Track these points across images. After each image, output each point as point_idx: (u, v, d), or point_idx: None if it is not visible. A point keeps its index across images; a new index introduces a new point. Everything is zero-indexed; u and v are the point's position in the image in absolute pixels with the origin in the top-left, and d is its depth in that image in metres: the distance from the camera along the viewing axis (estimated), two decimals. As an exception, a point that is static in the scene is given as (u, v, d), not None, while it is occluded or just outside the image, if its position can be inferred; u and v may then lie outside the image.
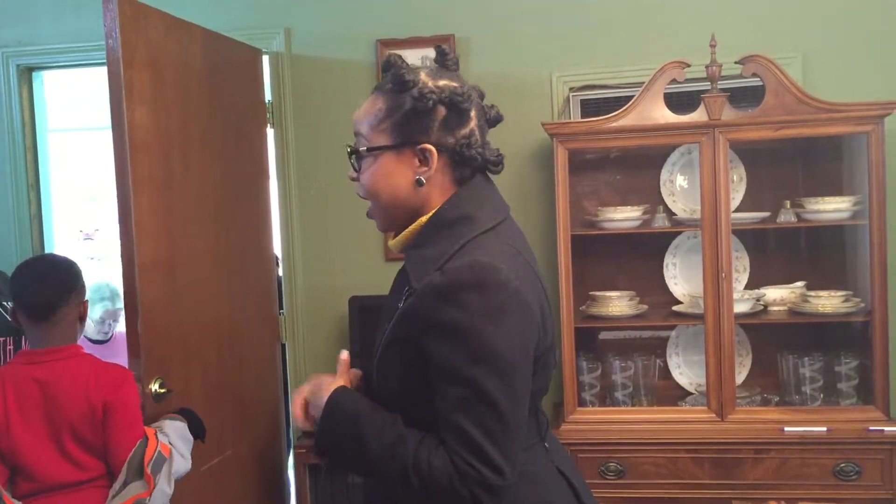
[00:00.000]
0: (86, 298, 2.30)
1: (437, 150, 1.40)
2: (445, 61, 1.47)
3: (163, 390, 2.37)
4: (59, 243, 3.62)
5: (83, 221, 6.26)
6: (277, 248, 3.33)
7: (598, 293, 2.91)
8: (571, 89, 3.13)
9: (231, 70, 2.94)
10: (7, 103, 3.36)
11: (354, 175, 1.46)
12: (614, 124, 2.73)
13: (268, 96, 3.26)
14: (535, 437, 1.48)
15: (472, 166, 1.42)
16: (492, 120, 1.48)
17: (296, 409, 1.50)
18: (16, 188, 3.37)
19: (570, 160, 2.78)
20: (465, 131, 1.41)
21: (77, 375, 2.14)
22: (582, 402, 2.86)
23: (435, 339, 1.30)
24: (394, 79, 1.41)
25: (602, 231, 2.90)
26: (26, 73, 3.42)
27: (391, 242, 1.49)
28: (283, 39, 3.26)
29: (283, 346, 3.31)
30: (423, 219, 1.42)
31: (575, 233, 2.81)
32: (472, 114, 1.42)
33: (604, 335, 3.06)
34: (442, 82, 1.41)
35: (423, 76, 1.41)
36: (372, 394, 1.45)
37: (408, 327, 1.35)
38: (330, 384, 1.45)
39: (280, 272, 3.37)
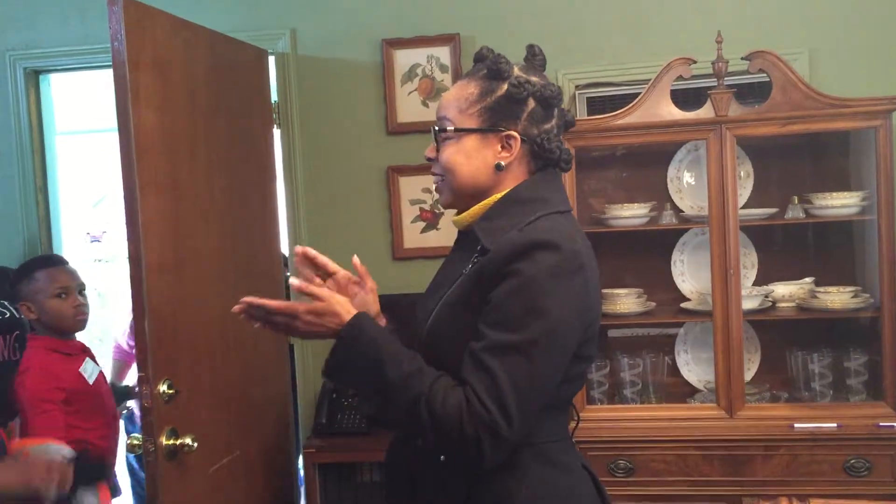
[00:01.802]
0: (25, 300, 2.67)
1: (520, 138, 1.48)
2: (535, 60, 1.56)
3: (171, 391, 2.37)
4: (68, 246, 3.64)
5: (90, 224, 6.28)
6: (285, 248, 3.33)
7: (605, 291, 2.89)
8: (577, 87, 3.13)
9: (237, 71, 2.94)
10: (14, 106, 3.37)
11: (433, 155, 1.54)
12: (620, 121, 2.72)
13: (274, 97, 3.27)
14: (566, 432, 1.52)
15: (547, 159, 1.51)
16: (568, 122, 1.56)
17: (302, 312, 1.47)
18: (24, 191, 3.38)
19: (576, 158, 2.77)
20: (547, 126, 1.50)
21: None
22: (590, 400, 2.86)
23: (499, 287, 1.35)
24: (491, 67, 1.50)
25: (609, 229, 2.89)
26: (33, 77, 3.43)
27: (456, 218, 1.56)
28: (288, 40, 3.27)
29: (291, 347, 3.31)
30: (497, 196, 1.50)
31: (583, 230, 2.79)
32: (556, 112, 1.52)
33: (612, 333, 3.05)
34: (534, 78, 1.50)
35: (516, 69, 1.51)
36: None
37: (479, 284, 1.40)
38: (348, 305, 1.46)
39: (288, 272, 3.38)
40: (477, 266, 1.43)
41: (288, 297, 3.30)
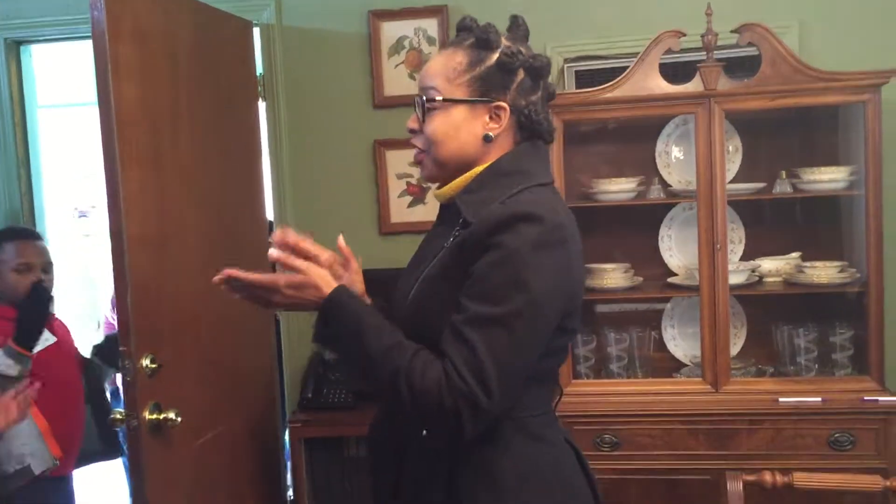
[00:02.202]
0: None
1: (509, 109, 1.45)
2: (518, 31, 1.52)
3: (154, 365, 2.36)
4: (53, 221, 3.60)
5: (79, 198, 6.23)
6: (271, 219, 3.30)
7: (592, 265, 2.88)
8: (565, 60, 3.09)
9: (221, 42, 2.90)
10: (-5, 77, 3.32)
11: (416, 126, 1.50)
12: (608, 95, 2.70)
13: (259, 69, 3.22)
14: (548, 406, 1.51)
15: (533, 131, 1.48)
16: (550, 94, 1.53)
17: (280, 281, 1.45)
18: (5, 165, 3.33)
19: (564, 132, 2.75)
20: (534, 98, 1.48)
21: None
22: (577, 375, 2.86)
23: (482, 260, 1.33)
24: (481, 36, 1.47)
25: (596, 203, 2.88)
26: (14, 47, 3.36)
27: (438, 191, 1.53)
28: (273, 11, 3.22)
29: (277, 320, 3.29)
30: (479, 168, 1.47)
31: (569, 205, 2.76)
32: (542, 83, 1.49)
33: (599, 308, 3.05)
34: (523, 48, 1.48)
35: (503, 39, 1.48)
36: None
37: (460, 257, 1.38)
38: (328, 277, 1.44)
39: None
40: (459, 239, 1.41)
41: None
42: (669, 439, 2.66)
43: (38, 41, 3.41)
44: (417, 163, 1.54)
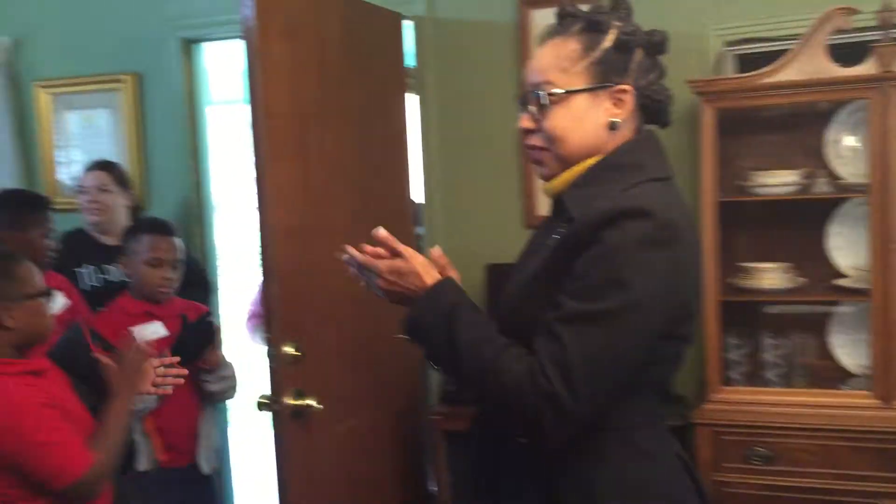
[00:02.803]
0: (127, 256, 2.73)
1: (633, 91, 1.38)
2: (622, 7, 1.43)
3: (297, 353, 2.43)
4: (225, 214, 3.79)
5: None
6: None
7: (749, 265, 2.69)
8: (726, 43, 2.90)
9: (370, 36, 2.94)
10: (169, 76, 3.54)
11: (531, 125, 1.42)
12: (769, 80, 2.50)
13: (411, 61, 3.24)
14: (658, 417, 1.42)
15: (655, 112, 1.40)
16: (663, 71, 1.44)
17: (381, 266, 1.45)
18: (177, 159, 3.55)
19: (719, 120, 2.58)
20: (653, 76, 1.40)
21: None
22: (727, 381, 2.67)
23: (585, 256, 1.26)
24: (591, 19, 1.39)
25: (754, 197, 2.67)
26: (187, 46, 3.57)
27: (549, 185, 1.45)
28: (424, 3, 3.23)
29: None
30: (591, 161, 1.38)
31: (724, 199, 2.60)
32: (658, 61, 1.42)
33: (755, 310, 2.83)
34: (633, 26, 1.40)
35: (613, 20, 1.40)
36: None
37: (563, 255, 1.31)
38: (431, 268, 1.42)
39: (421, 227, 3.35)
40: (563, 236, 1.34)
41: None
42: (829, 456, 2.44)
43: (209, 40, 3.60)
44: (535, 162, 1.47)
